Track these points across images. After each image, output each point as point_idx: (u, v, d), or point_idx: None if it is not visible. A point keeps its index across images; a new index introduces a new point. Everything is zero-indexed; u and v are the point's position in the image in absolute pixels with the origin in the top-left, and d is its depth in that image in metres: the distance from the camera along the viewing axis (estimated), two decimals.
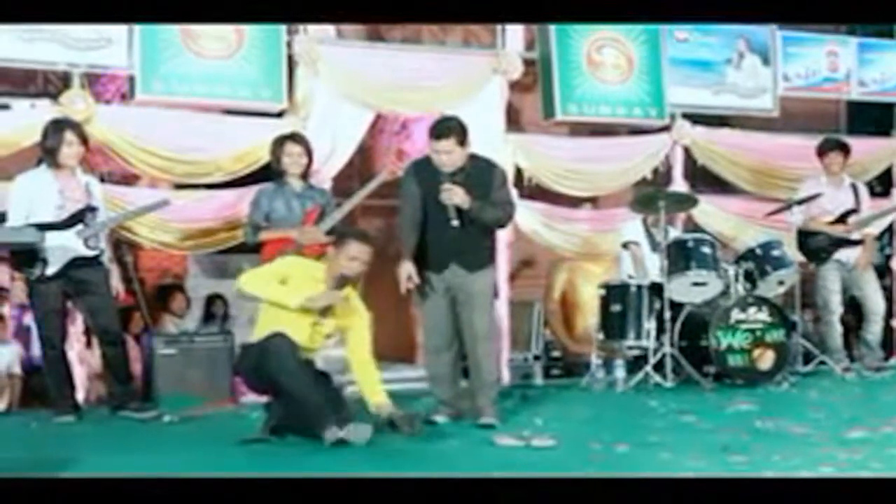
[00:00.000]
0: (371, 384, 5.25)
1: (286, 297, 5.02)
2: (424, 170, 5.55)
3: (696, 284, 7.21)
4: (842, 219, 7.87)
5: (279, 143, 6.56)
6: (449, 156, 5.42)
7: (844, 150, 7.97)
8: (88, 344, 6.56)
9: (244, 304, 6.61)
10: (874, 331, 7.96)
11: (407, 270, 5.44)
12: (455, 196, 5.39)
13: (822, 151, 7.98)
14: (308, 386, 4.92)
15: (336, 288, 5.13)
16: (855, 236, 7.87)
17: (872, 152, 8.92)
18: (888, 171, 9.12)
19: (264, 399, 5.30)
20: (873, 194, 8.46)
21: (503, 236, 7.39)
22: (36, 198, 5.85)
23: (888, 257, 9.14)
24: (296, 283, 5.10)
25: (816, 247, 7.86)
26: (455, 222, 5.42)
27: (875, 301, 7.94)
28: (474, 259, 5.56)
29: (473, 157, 5.57)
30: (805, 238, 7.89)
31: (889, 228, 8.93)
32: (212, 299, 8.44)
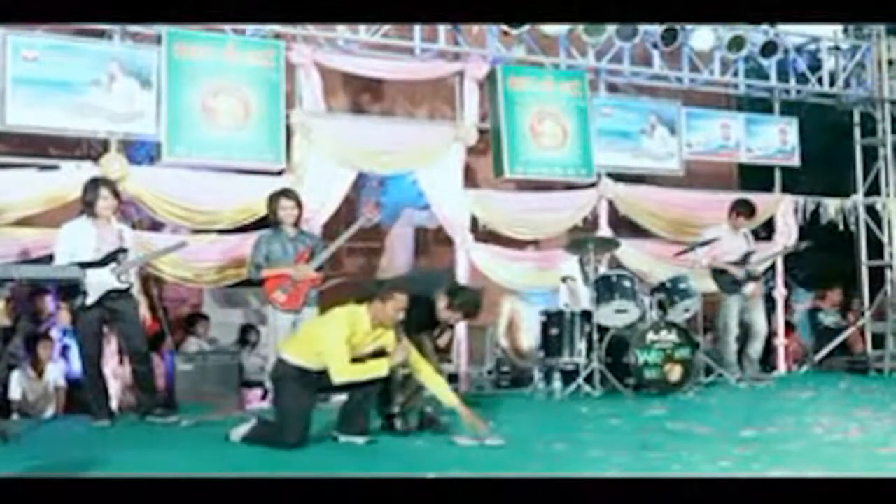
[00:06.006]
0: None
1: (380, 372, 5.00)
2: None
3: (618, 311, 7.22)
4: (743, 259, 7.93)
5: (275, 198, 6.53)
6: None
7: (752, 213, 8.12)
8: (121, 361, 6.50)
9: (271, 333, 6.47)
10: (756, 348, 8.13)
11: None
12: None
13: (733, 209, 8.05)
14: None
15: (396, 332, 5.11)
16: (751, 272, 7.97)
17: (758, 205, 8.75)
18: (770, 220, 9.25)
19: (267, 406, 5.18)
20: (758, 238, 8.58)
21: (463, 273, 7.50)
22: (78, 241, 5.85)
23: (771, 289, 9.19)
24: (358, 343, 5.03)
25: (730, 280, 7.88)
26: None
27: (760, 324, 8.09)
28: None
29: None
30: (719, 274, 7.91)
31: (772, 266, 9.02)
32: (246, 329, 8.23)
